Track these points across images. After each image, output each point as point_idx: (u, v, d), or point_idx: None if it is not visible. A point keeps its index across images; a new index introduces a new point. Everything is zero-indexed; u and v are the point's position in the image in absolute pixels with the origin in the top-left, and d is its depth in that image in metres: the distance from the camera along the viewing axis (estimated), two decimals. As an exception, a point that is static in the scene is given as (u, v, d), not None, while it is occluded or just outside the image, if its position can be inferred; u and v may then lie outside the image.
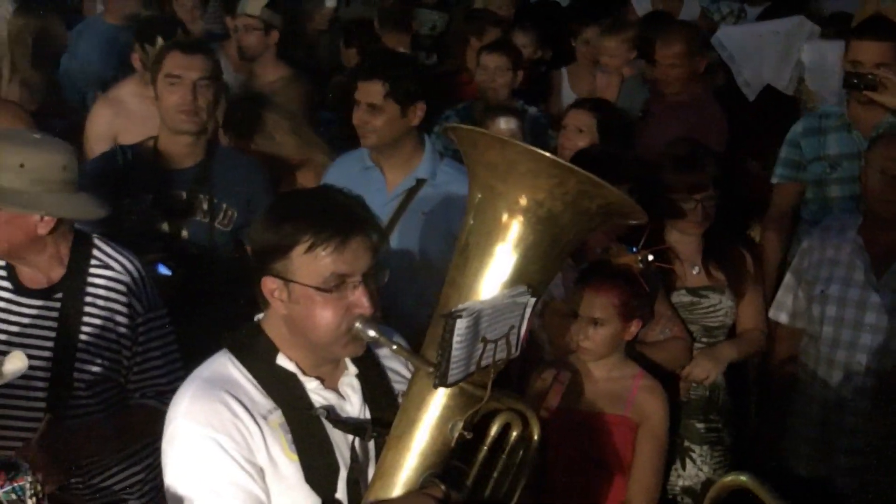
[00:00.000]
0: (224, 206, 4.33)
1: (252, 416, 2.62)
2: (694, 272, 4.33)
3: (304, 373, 2.70)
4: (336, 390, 2.74)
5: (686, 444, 4.25)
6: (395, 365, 2.86)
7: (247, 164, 4.48)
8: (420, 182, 4.35)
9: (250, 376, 2.68)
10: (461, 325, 2.50)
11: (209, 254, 4.24)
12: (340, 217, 2.61)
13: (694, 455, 4.24)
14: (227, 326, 2.79)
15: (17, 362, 2.30)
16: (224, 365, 2.69)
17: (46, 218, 3.27)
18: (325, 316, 2.61)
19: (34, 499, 2.23)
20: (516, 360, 2.74)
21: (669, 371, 4.16)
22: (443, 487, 2.62)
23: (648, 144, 5.23)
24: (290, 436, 2.63)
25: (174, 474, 2.60)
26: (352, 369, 2.75)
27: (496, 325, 2.60)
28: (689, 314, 4.32)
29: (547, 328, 4.08)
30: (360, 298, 2.60)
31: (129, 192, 4.18)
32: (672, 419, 3.88)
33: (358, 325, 2.63)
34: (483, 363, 2.59)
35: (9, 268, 3.41)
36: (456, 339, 2.50)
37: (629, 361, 3.91)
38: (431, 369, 2.55)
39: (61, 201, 3.27)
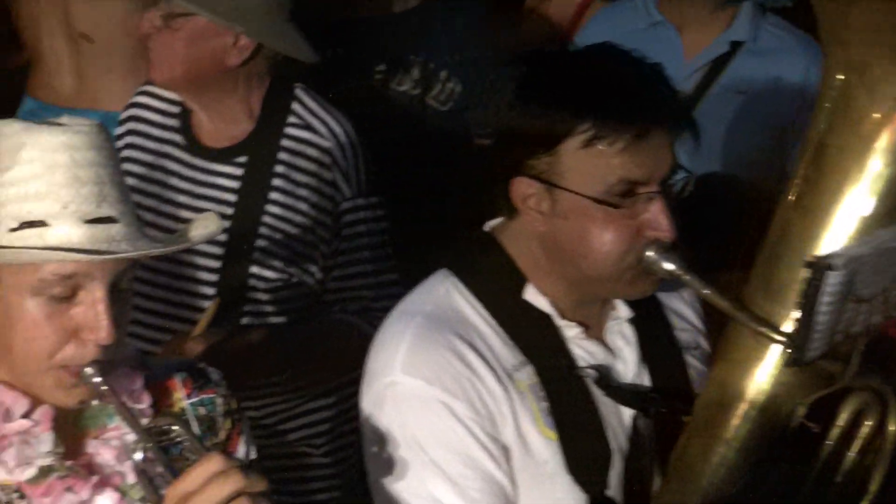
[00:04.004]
0: (443, 74, 3.52)
1: (495, 373, 2.13)
2: None
3: (562, 314, 2.20)
4: (602, 341, 2.24)
5: None
6: (678, 304, 2.37)
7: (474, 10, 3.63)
8: (735, 46, 3.56)
9: (487, 315, 2.18)
10: (833, 280, 2.02)
11: (418, 141, 3.49)
12: (635, 97, 2.11)
13: None
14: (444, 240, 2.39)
15: (209, 225, 1.87)
16: (449, 295, 2.20)
17: (242, 42, 2.72)
18: (605, 238, 2.12)
19: (229, 419, 1.95)
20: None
21: None
22: None
23: None
24: (544, 404, 2.15)
25: (386, 447, 2.14)
26: (623, 311, 2.26)
27: (874, 278, 2.11)
28: None
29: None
30: (656, 217, 2.10)
31: None
32: None
33: (651, 253, 2.12)
34: (852, 330, 2.10)
35: (183, 117, 2.84)
36: (825, 298, 2.03)
37: None
38: (782, 339, 2.06)
39: (266, 27, 2.74)
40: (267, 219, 2.75)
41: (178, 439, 1.81)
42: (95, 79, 3.42)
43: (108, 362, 1.69)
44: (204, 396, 1.94)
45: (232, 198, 2.76)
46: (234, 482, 1.57)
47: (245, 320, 2.75)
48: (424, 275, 2.27)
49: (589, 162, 2.09)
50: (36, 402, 1.71)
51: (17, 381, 1.71)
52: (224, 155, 2.80)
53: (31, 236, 1.64)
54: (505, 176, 2.15)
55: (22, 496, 1.70)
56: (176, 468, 1.70)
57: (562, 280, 2.18)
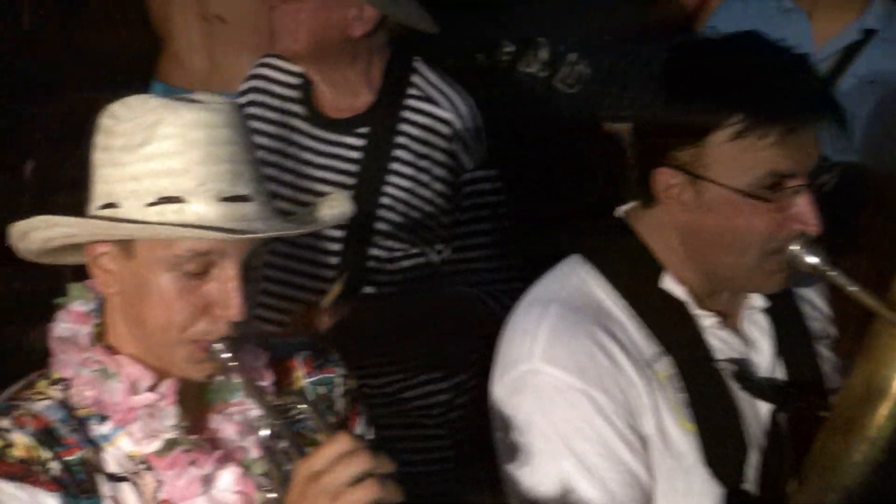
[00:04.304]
0: (572, 57, 3.45)
1: (635, 363, 2.07)
2: None
3: (698, 303, 2.13)
4: (737, 331, 2.17)
5: None
6: (807, 291, 2.28)
7: None
8: (868, 34, 3.38)
9: (624, 303, 2.12)
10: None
11: (543, 123, 3.37)
12: (788, 90, 2.03)
13: None
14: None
15: (339, 206, 1.85)
16: (584, 283, 2.13)
17: (367, 13, 2.68)
18: (750, 231, 2.06)
19: (347, 399, 1.93)
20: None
21: None
22: None
23: None
24: (683, 396, 2.08)
25: (522, 435, 2.08)
26: (757, 300, 2.17)
27: None
28: None
29: None
30: (804, 210, 2.03)
31: None
32: None
33: (795, 247, 2.05)
34: None
35: (305, 89, 2.81)
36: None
37: None
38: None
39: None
40: (389, 188, 2.71)
41: (299, 418, 1.80)
42: (227, 60, 3.39)
43: (237, 339, 1.68)
44: (323, 376, 1.92)
45: (354, 168, 2.73)
46: (361, 463, 1.55)
47: (367, 290, 2.72)
48: (547, 259, 2.22)
49: (737, 154, 2.02)
50: (161, 375, 1.71)
51: (148, 355, 1.71)
52: (346, 125, 2.76)
53: (167, 212, 1.63)
54: (647, 165, 2.09)
55: (149, 468, 1.70)
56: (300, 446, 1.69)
57: (699, 270, 2.12)
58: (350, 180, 2.72)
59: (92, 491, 1.66)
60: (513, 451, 2.06)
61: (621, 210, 2.18)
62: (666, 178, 2.06)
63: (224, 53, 3.40)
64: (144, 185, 1.64)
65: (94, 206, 1.69)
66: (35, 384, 1.73)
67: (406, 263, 2.75)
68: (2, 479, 1.62)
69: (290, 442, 1.68)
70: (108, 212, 1.66)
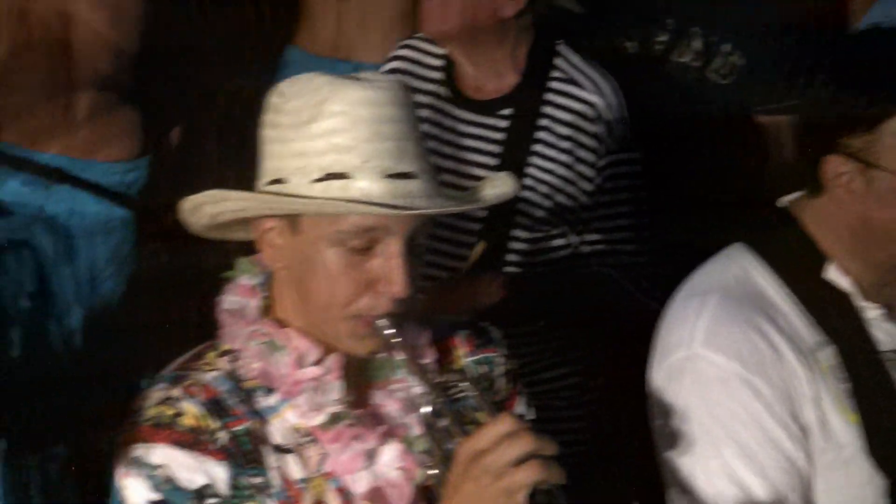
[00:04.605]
0: (727, 47, 3.40)
1: (797, 352, 2.04)
2: None
3: (864, 295, 2.09)
4: None
5: None
6: None
7: None
8: None
9: (787, 292, 2.09)
10: None
11: (691, 112, 3.23)
12: None
13: None
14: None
15: (502, 185, 1.83)
16: (746, 271, 2.12)
17: None
18: None
19: (507, 379, 1.92)
20: None
21: None
22: None
23: None
24: (845, 386, 2.05)
25: (680, 420, 2.06)
26: None
27: None
28: None
29: None
30: None
31: None
32: None
33: None
34: None
35: (448, 70, 2.78)
36: None
37: None
38: None
39: None
40: (531, 170, 2.68)
41: (459, 396, 1.80)
42: (354, 30, 3.41)
43: (400, 315, 1.67)
44: (484, 355, 1.90)
45: (497, 149, 2.70)
46: (525, 444, 1.53)
47: (506, 270, 2.70)
48: (687, 246, 2.22)
49: None
50: (327, 350, 1.71)
51: (312, 329, 1.71)
52: (489, 107, 2.73)
53: (333, 188, 1.62)
54: (815, 153, 2.05)
55: (313, 440, 1.70)
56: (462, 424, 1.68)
57: (865, 260, 2.08)
58: (493, 161, 2.69)
59: (258, 462, 1.67)
60: (671, 437, 2.04)
61: (785, 200, 2.14)
62: (835, 166, 2.01)
63: (352, 24, 3.41)
64: (311, 161, 1.64)
65: (262, 182, 1.70)
66: (204, 355, 1.74)
67: (545, 244, 2.72)
68: (172, 446, 1.64)
69: (451, 420, 1.67)
70: (275, 187, 1.66)
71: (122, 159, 2.86)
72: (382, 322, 1.67)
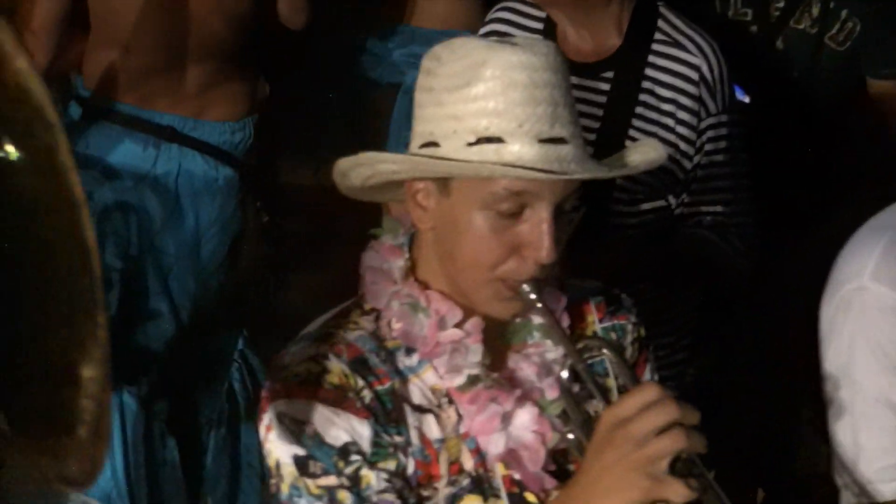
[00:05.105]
0: (844, 13, 3.31)
1: None
2: None
3: None
4: None
5: None
6: None
7: None
8: None
9: None
10: None
11: (808, 79, 3.27)
12: None
13: None
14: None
15: (650, 152, 1.81)
16: None
17: None
18: None
19: (637, 346, 1.93)
20: None
21: None
22: None
23: None
24: None
25: (846, 352, 2.08)
26: None
27: None
28: None
29: None
30: None
31: None
32: None
33: None
34: None
35: (547, 33, 2.73)
36: None
37: None
38: None
39: None
40: (633, 132, 2.65)
41: (592, 361, 1.79)
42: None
43: (543, 280, 1.67)
44: (616, 322, 1.90)
45: (599, 112, 2.67)
46: (669, 412, 1.52)
47: (607, 232, 2.68)
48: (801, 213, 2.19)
49: None
50: (467, 313, 1.72)
51: (455, 291, 1.71)
52: (592, 70, 2.69)
53: (486, 151, 1.61)
54: None
55: (451, 401, 1.71)
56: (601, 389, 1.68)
57: None
58: (595, 124, 2.66)
59: (400, 420, 1.68)
60: (836, 368, 2.05)
61: None
62: None
63: None
64: (465, 124, 1.63)
65: (415, 144, 1.69)
66: (349, 313, 1.76)
67: (646, 206, 2.70)
68: (319, 402, 1.65)
69: (593, 385, 1.67)
70: (428, 150, 1.66)
71: (229, 119, 2.88)
72: (526, 287, 1.66)
